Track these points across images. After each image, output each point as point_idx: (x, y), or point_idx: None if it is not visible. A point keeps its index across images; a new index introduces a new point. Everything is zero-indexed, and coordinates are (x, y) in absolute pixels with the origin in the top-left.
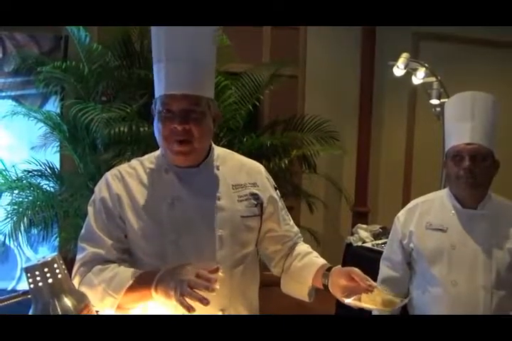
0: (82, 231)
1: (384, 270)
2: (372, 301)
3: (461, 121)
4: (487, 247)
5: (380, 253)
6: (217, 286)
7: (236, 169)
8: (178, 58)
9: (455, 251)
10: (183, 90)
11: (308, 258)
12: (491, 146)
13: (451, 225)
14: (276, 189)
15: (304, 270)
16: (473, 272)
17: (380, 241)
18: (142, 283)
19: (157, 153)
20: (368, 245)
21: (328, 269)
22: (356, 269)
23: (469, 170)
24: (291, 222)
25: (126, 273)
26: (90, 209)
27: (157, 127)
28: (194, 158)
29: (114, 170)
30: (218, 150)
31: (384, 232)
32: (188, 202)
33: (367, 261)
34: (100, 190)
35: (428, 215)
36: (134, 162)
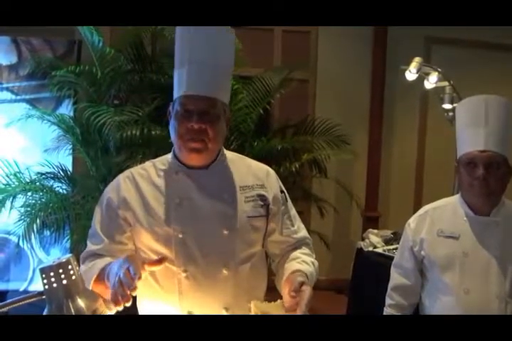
0: (90, 229)
1: (395, 277)
2: (254, 309)
3: (475, 126)
4: (500, 254)
5: (392, 258)
6: (136, 285)
7: (244, 171)
8: (200, 61)
9: (467, 258)
10: (203, 92)
11: (291, 263)
12: (505, 153)
13: (463, 232)
14: (282, 192)
15: (283, 274)
16: (487, 280)
17: (391, 247)
18: (103, 274)
19: (169, 155)
20: (379, 250)
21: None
22: (297, 278)
23: (483, 179)
24: (295, 228)
25: (99, 264)
26: (97, 208)
27: (173, 126)
28: (206, 156)
29: (126, 172)
30: (228, 154)
31: (395, 237)
32: (196, 202)
33: (378, 266)
34: (109, 190)
35: (439, 222)
36: (147, 164)
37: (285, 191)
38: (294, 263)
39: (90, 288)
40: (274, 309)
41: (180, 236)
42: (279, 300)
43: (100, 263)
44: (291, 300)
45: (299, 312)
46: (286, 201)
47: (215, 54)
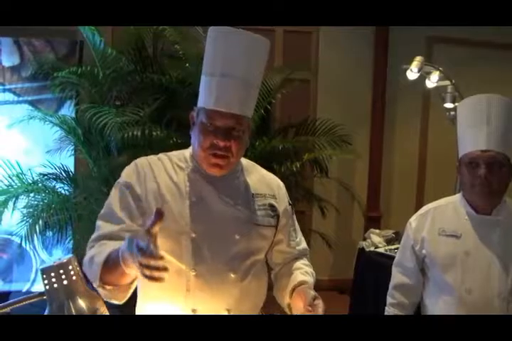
0: (102, 210)
1: (397, 276)
2: None
3: (476, 126)
4: (502, 254)
5: (393, 258)
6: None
7: (258, 180)
8: (233, 76)
9: (469, 258)
10: (232, 109)
11: (294, 273)
12: (507, 152)
13: (464, 231)
14: (290, 204)
15: (287, 283)
16: (488, 280)
17: (392, 247)
18: (114, 257)
19: (186, 152)
20: (381, 250)
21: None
22: (310, 291)
23: (485, 179)
24: (298, 240)
25: (107, 250)
26: (115, 190)
27: (197, 138)
28: (226, 170)
29: (142, 159)
30: (243, 161)
31: (397, 237)
32: (210, 204)
33: (380, 266)
34: (128, 174)
35: (441, 221)
36: (163, 156)
37: (292, 204)
38: (298, 274)
39: (99, 273)
40: None
41: (193, 235)
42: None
43: (110, 246)
44: (307, 313)
45: None
46: (293, 214)
47: (250, 69)
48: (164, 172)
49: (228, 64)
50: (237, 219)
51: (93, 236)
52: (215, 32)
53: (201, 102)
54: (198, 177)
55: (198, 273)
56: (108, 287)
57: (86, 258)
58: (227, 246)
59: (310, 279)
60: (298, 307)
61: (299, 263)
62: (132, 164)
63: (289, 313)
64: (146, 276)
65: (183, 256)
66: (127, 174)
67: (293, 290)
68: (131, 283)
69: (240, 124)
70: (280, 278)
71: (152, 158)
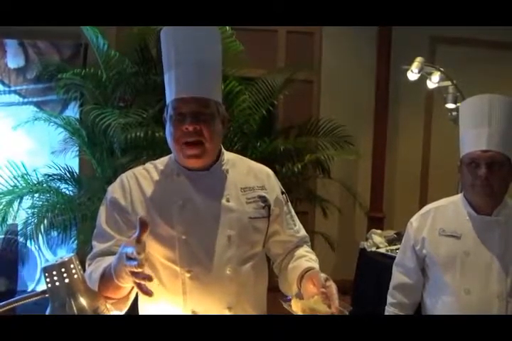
0: (95, 230)
1: (397, 276)
2: (296, 307)
3: (478, 126)
4: (502, 254)
5: (394, 258)
6: (141, 261)
7: (245, 173)
8: (186, 64)
9: (469, 258)
10: (192, 93)
11: (299, 261)
12: (508, 153)
13: (465, 232)
14: (283, 193)
15: (293, 272)
16: (487, 280)
17: (394, 247)
18: (107, 273)
19: (169, 157)
20: (382, 250)
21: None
22: (320, 274)
23: (485, 179)
24: (297, 227)
25: (104, 263)
26: (102, 208)
27: (169, 131)
28: (205, 159)
29: (128, 172)
30: (228, 155)
31: (398, 238)
32: (199, 204)
33: (381, 266)
34: (114, 189)
35: (441, 221)
36: (148, 165)
37: (285, 192)
38: (303, 261)
39: (97, 288)
40: (317, 305)
41: (184, 237)
42: (316, 296)
43: (105, 261)
44: (320, 295)
45: (334, 306)
46: (287, 202)
47: (201, 53)
48: (150, 181)
49: (180, 54)
50: (227, 215)
51: (89, 255)
52: (164, 33)
53: (167, 99)
54: (183, 179)
55: (193, 275)
56: (108, 300)
57: (86, 275)
58: (220, 244)
59: (316, 266)
60: (310, 291)
61: (301, 251)
62: (118, 179)
63: (293, 306)
64: (138, 286)
65: (177, 259)
66: (112, 190)
67: (301, 276)
68: (129, 294)
69: (206, 107)
70: (285, 268)
71: (138, 169)
